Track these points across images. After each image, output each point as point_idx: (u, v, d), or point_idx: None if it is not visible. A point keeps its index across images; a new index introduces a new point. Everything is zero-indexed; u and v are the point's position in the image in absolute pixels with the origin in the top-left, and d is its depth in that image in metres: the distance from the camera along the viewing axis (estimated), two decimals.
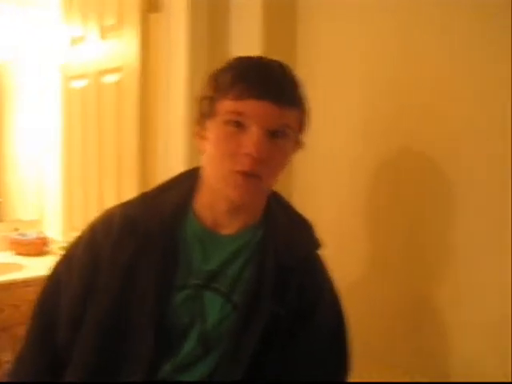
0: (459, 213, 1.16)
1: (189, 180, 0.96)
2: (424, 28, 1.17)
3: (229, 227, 0.91)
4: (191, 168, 0.99)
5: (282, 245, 0.90)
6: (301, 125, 0.89)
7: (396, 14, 1.25)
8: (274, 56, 0.89)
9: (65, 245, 1.99)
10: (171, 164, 1.74)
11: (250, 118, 0.80)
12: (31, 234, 2.72)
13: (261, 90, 0.80)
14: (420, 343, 1.23)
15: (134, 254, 0.86)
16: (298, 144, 0.90)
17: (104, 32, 2.07)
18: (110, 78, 2.04)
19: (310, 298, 0.91)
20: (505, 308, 1.08)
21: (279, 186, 0.95)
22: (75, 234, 0.97)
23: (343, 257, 1.33)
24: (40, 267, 2.28)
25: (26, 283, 2.11)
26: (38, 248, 2.68)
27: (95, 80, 2.16)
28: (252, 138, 0.80)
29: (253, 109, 0.80)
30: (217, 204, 0.90)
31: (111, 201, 2.01)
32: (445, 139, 1.17)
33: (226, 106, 0.82)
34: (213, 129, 0.85)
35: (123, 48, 1.94)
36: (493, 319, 1.11)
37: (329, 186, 1.50)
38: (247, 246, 0.91)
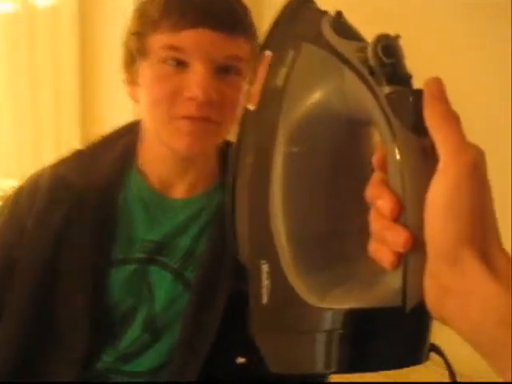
0: None
1: (131, 133, 0.82)
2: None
3: (180, 189, 0.78)
4: (133, 120, 0.84)
5: None
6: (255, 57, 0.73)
7: None
8: None
9: None
10: (119, 102, 1.47)
11: (190, 52, 0.68)
12: None
13: (198, 15, 0.68)
14: None
15: (65, 221, 0.74)
16: None
17: None
18: (43, 1, 1.71)
19: None
20: None
21: None
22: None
23: None
24: None
25: None
26: None
27: (24, 3, 1.81)
28: (195, 77, 0.67)
29: (190, 40, 0.67)
30: (162, 159, 0.77)
31: (49, 148, 1.75)
32: None
33: (159, 41, 0.69)
34: (145, 71, 0.72)
35: None
36: None
37: None
38: (202, 212, 0.78)
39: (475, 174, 0.32)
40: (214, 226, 0.77)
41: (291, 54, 0.40)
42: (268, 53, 0.41)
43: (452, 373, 0.38)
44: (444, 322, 0.34)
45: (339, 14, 0.40)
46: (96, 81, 1.65)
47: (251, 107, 0.42)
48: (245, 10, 0.73)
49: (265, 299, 0.40)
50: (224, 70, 0.70)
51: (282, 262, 0.39)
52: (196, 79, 0.67)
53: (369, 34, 1.13)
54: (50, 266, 0.73)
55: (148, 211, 0.77)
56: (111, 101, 1.56)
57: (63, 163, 0.79)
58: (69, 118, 1.72)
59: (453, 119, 0.34)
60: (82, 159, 0.79)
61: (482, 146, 1.03)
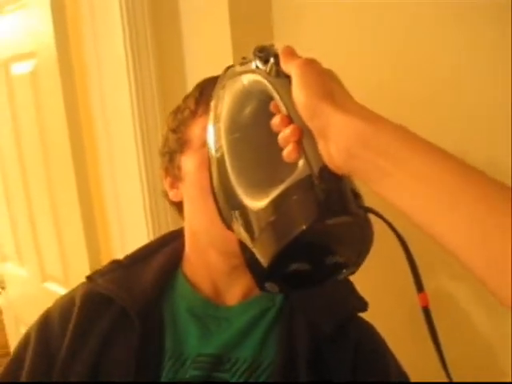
0: None
1: (174, 241, 0.81)
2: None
3: (236, 293, 0.74)
4: (174, 230, 0.84)
5: (316, 308, 0.71)
6: None
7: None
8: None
9: None
10: (118, 170, 1.35)
11: None
12: None
13: None
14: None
15: (105, 339, 0.68)
16: None
17: (2, 5, 1.59)
18: (22, 67, 1.58)
19: (373, 370, 0.71)
20: None
21: None
22: None
23: None
24: None
25: None
26: None
27: (2, 70, 1.68)
28: None
29: None
30: (215, 264, 0.73)
31: (45, 222, 1.63)
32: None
33: (200, 123, 0.70)
34: (189, 161, 0.71)
35: (33, 26, 1.48)
36: None
37: None
38: (263, 316, 0.72)
39: (307, 66, 0.47)
40: (280, 329, 0.70)
41: (222, 91, 0.59)
42: (212, 103, 0.60)
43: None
44: (339, 168, 0.44)
45: (244, 58, 0.57)
46: (88, 142, 1.53)
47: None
48: None
49: (255, 234, 0.51)
50: None
51: (241, 199, 0.54)
52: None
53: (367, 40, 1.12)
54: None
55: (201, 324, 0.71)
56: (107, 162, 1.43)
57: (101, 276, 0.75)
58: (63, 185, 1.58)
59: (295, 58, 0.50)
60: (121, 271, 0.76)
61: (482, 146, 0.96)
